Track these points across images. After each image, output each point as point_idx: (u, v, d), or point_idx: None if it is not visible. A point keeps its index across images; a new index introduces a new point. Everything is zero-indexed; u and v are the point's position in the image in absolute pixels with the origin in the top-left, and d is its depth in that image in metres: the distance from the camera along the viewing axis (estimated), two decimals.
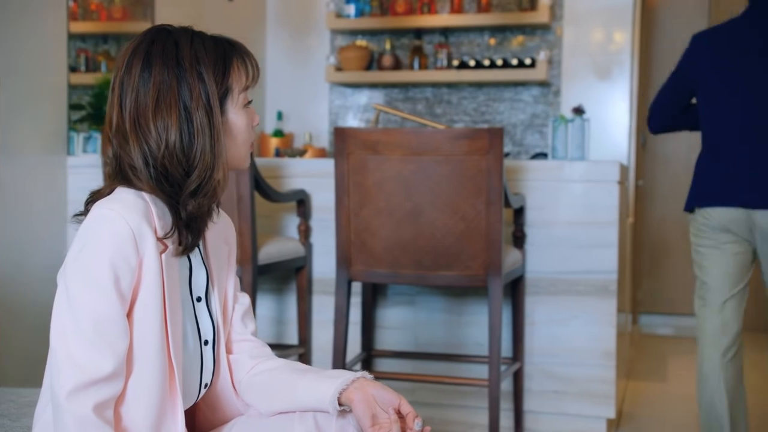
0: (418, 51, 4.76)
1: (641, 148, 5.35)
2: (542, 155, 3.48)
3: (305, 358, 3.14)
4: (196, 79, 1.26)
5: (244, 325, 1.47)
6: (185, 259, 1.35)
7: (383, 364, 3.18)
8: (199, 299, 1.38)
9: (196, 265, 1.38)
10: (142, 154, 1.25)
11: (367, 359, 3.13)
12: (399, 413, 1.32)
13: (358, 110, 4.93)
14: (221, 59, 1.29)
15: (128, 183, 1.27)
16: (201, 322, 1.38)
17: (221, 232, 1.44)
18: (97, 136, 3.38)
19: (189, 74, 1.25)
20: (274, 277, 3.24)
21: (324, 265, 3.17)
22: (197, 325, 1.37)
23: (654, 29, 5.61)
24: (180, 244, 1.28)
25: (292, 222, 3.23)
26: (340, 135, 2.63)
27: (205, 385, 1.40)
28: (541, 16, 4.49)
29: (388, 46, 4.79)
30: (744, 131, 2.53)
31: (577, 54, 4.55)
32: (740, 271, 2.60)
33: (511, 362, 2.96)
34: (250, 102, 1.35)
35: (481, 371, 3.01)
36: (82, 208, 1.30)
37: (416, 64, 4.73)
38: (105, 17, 4.32)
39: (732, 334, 2.61)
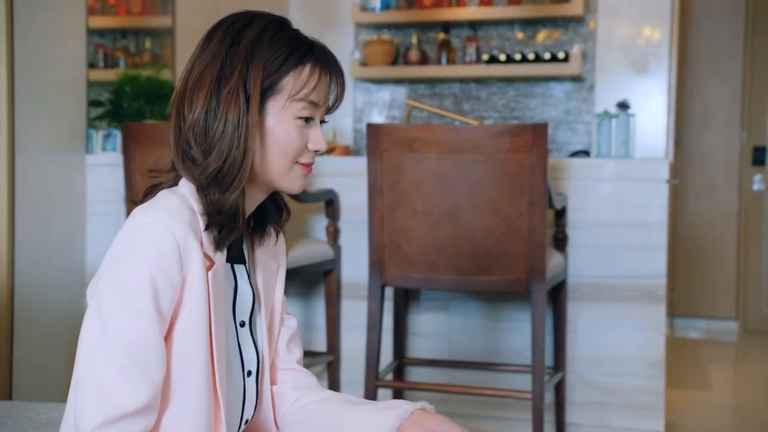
0: (445, 45, 4.59)
1: (676, 145, 5.16)
2: (583, 153, 3.31)
3: (334, 365, 2.99)
4: (242, 62, 1.11)
5: (289, 352, 1.30)
6: (231, 277, 1.18)
7: (416, 373, 3.03)
8: (242, 324, 1.21)
9: (242, 285, 1.21)
10: (174, 128, 1.14)
11: (399, 368, 2.97)
12: None
13: (384, 106, 4.77)
14: (284, 54, 1.13)
15: (184, 171, 1.14)
16: (244, 351, 1.21)
17: (269, 244, 1.27)
18: (117, 134, 3.24)
19: (238, 57, 1.12)
20: (301, 281, 3.09)
21: (353, 268, 3.02)
22: (240, 353, 1.21)
23: (689, 23, 5.42)
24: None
25: (320, 223, 3.07)
26: (374, 132, 2.48)
27: (246, 421, 1.24)
28: (574, 8, 4.31)
29: (414, 40, 4.63)
30: None
31: (612, 48, 4.37)
32: None
33: (552, 372, 2.80)
34: (308, 119, 1.15)
35: (520, 381, 2.85)
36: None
37: (444, 59, 4.57)
38: (124, 12, 4.19)
39: None
